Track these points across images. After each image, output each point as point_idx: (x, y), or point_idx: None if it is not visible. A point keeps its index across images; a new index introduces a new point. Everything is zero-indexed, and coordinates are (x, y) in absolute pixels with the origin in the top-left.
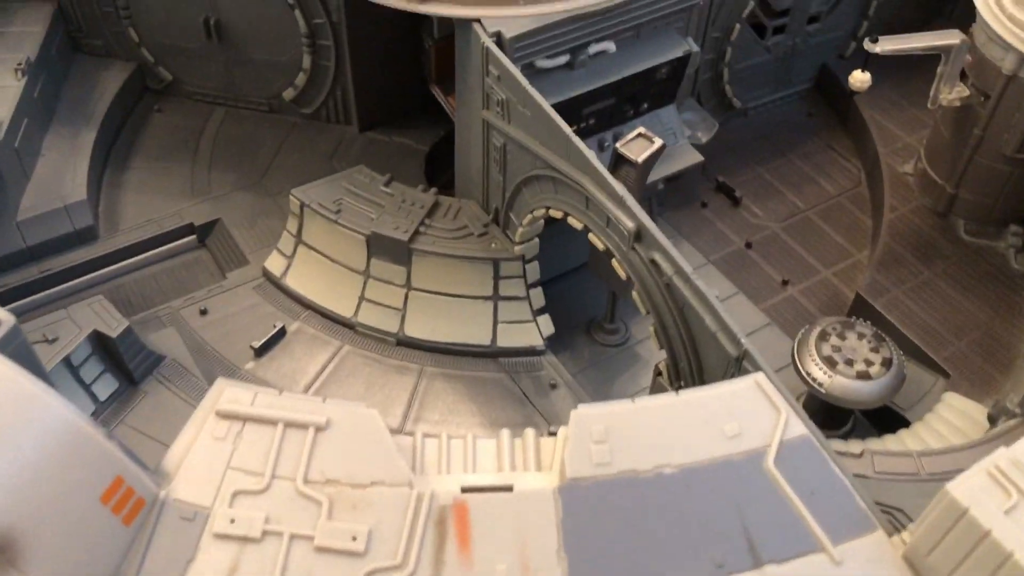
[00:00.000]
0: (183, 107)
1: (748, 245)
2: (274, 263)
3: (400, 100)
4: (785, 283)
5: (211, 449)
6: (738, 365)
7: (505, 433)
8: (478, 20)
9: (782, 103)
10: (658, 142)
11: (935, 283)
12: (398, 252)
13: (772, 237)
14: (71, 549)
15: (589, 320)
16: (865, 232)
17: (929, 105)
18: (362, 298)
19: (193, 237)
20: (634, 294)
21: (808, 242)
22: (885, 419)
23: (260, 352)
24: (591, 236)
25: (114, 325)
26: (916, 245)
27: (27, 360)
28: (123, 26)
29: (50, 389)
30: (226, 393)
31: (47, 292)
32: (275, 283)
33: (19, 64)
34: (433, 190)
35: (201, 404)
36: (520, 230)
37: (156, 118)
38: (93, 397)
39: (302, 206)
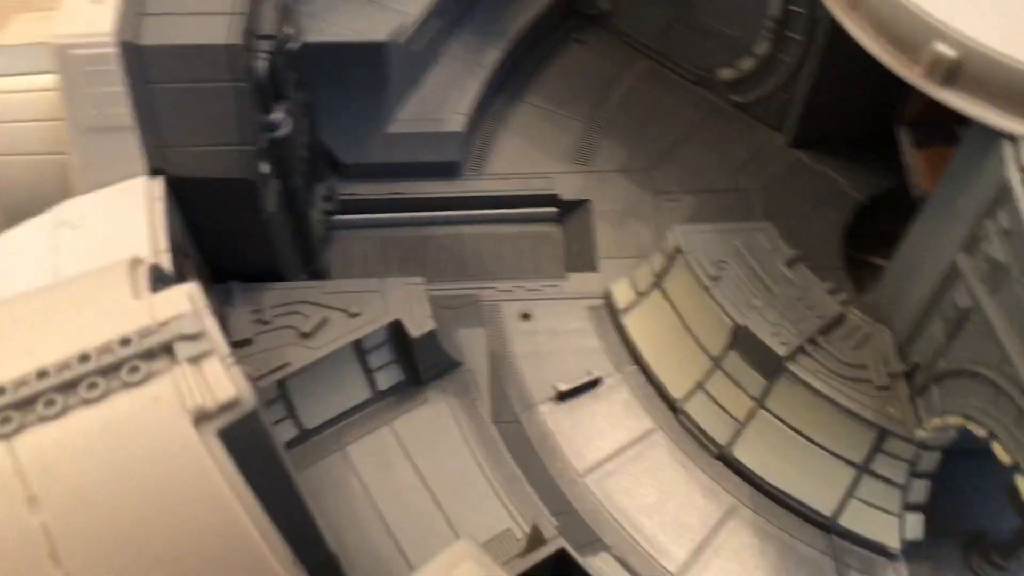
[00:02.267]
0: (607, 45)
1: None
2: (621, 293)
3: (850, 126)
4: None
5: None
6: None
7: None
8: (1013, 138)
9: None
10: None
11: None
12: (766, 361)
13: None
14: None
15: (975, 534)
16: None
17: None
18: (700, 386)
19: (554, 210)
20: None
21: None
22: None
23: (563, 397)
24: (1019, 480)
25: (418, 323)
26: None
27: (254, 441)
28: None
29: (257, 508)
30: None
31: (386, 215)
32: (614, 315)
33: None
34: (842, 298)
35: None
36: (934, 421)
37: (574, 49)
38: (372, 385)
39: (678, 250)
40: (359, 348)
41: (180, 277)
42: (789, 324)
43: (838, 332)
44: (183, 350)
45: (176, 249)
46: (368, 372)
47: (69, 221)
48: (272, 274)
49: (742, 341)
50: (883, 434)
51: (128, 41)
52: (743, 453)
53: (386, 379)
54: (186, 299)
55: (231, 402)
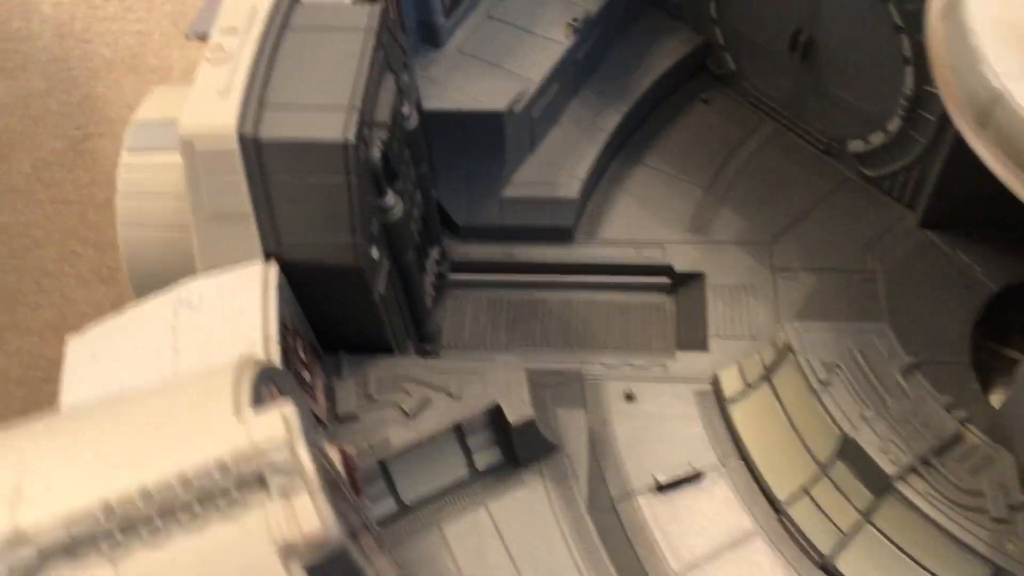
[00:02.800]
0: (732, 106)
1: None
2: (729, 381)
3: (987, 209)
4: None
5: None
6: None
7: None
8: None
9: None
10: None
11: None
12: (873, 477)
13: None
14: None
15: None
16: None
17: None
18: (806, 490)
19: (667, 281)
20: None
21: None
22: None
23: (663, 488)
24: None
25: (517, 409)
26: None
27: (345, 573)
28: None
29: None
30: None
31: (498, 276)
32: (720, 402)
33: (575, 19)
34: (961, 415)
35: None
36: None
37: (698, 109)
38: (471, 464)
39: (788, 348)
40: (459, 429)
41: (287, 362)
42: (900, 441)
43: (954, 453)
44: (275, 482)
45: (287, 331)
46: (467, 452)
47: (189, 302)
48: (379, 346)
49: (849, 452)
50: (999, 572)
51: (248, 135)
52: (847, 566)
53: (484, 460)
54: (282, 425)
55: (318, 539)
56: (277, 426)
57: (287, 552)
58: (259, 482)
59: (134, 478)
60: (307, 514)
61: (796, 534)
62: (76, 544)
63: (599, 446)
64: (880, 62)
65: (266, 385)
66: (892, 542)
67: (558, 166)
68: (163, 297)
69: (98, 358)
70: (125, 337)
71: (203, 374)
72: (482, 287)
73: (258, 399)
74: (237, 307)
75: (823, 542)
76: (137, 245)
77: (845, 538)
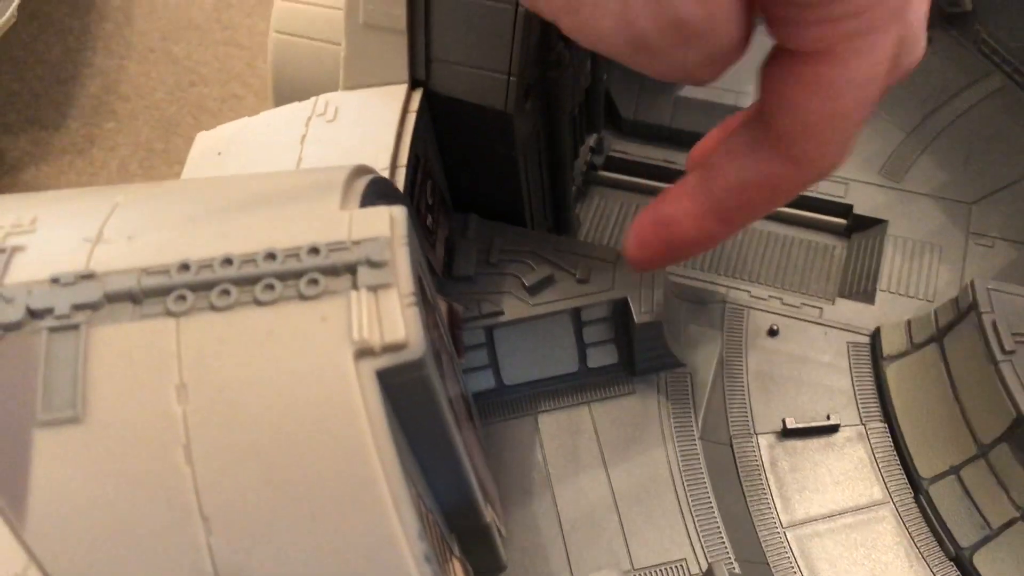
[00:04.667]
0: (956, 50)
1: None
2: (891, 337)
3: None
4: None
5: None
6: None
7: None
8: None
9: None
10: None
11: None
12: None
13: None
14: None
15: None
16: None
17: None
18: (955, 471)
19: (841, 223)
20: None
21: None
22: None
23: (788, 434)
24: None
25: (646, 309)
26: None
27: (417, 392)
28: None
29: (395, 462)
30: None
31: (653, 183)
32: (875, 358)
33: None
34: None
35: None
36: None
37: None
38: (582, 358)
39: (972, 308)
40: (577, 318)
41: (411, 196)
42: None
43: None
44: (365, 276)
45: (418, 164)
46: (581, 345)
47: (325, 114)
48: (513, 217)
49: (1021, 438)
50: None
51: None
52: (985, 564)
53: (598, 357)
54: (386, 222)
55: (398, 344)
56: (382, 223)
57: (361, 351)
58: (349, 273)
59: (220, 246)
60: (391, 316)
61: (933, 517)
62: (143, 293)
63: (727, 376)
64: None
65: (381, 198)
66: None
67: (747, 73)
68: (303, 104)
69: (223, 156)
70: (253, 139)
71: (318, 170)
72: (634, 191)
73: (369, 203)
74: (371, 126)
75: (963, 532)
76: (285, 50)
77: (990, 533)
